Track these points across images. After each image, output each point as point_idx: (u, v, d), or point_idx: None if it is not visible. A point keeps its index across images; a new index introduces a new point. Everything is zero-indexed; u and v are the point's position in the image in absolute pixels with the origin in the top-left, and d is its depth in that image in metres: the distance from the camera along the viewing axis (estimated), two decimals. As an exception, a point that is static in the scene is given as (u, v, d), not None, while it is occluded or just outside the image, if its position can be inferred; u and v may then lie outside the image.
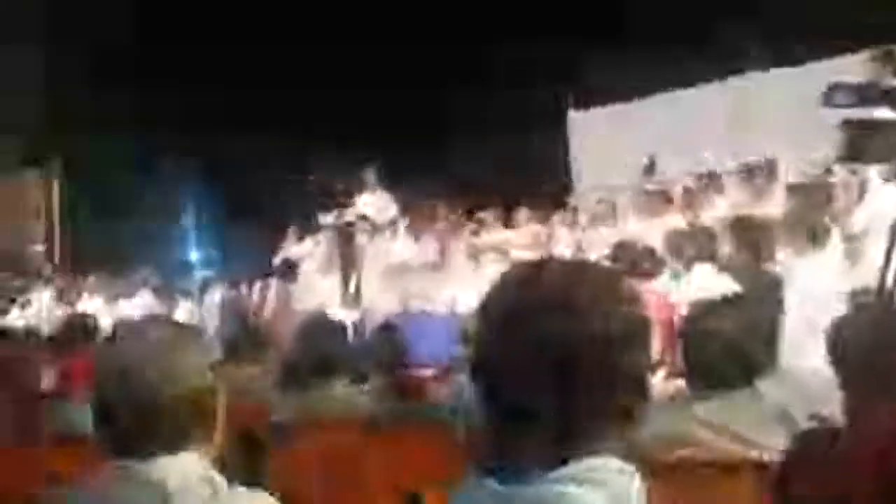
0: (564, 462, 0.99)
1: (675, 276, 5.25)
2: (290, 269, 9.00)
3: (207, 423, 1.48)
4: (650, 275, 5.33)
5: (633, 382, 1.03)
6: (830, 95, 2.56)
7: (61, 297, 11.28)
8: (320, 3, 12.46)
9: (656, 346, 4.54)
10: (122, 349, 1.52)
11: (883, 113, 2.86)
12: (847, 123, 2.55)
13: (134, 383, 1.43)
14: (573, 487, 0.97)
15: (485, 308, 1.09)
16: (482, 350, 1.07)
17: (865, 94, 2.76)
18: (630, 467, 1.02)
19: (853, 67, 5.78)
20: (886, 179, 4.25)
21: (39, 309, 10.90)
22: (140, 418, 1.42)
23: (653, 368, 4.11)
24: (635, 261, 5.35)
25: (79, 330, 4.91)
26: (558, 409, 1.00)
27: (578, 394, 1.00)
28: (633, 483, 1.01)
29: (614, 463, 1.01)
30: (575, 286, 1.03)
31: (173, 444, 1.43)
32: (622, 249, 5.62)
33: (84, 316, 5.98)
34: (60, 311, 10.15)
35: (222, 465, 1.48)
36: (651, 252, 5.52)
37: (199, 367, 1.50)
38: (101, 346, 1.64)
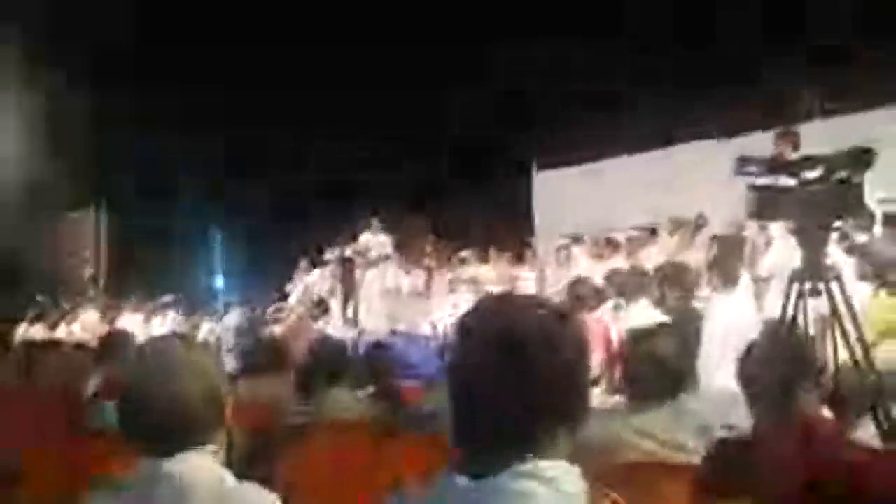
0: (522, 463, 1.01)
1: (617, 308, 5.31)
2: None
3: (217, 425, 1.46)
4: (595, 307, 5.40)
5: (576, 394, 1.07)
6: (741, 166, 2.61)
7: (104, 314, 11.15)
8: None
9: (598, 364, 4.58)
10: (147, 361, 1.50)
11: (784, 181, 2.91)
12: (754, 188, 2.60)
13: (156, 390, 1.42)
14: (525, 481, 1.00)
15: (459, 330, 1.11)
16: (457, 364, 1.09)
17: (770, 165, 2.81)
18: (573, 467, 1.04)
19: (763, 142, 5.94)
20: (787, 233, 4.35)
21: (85, 323, 10.76)
22: (160, 419, 1.41)
23: (594, 383, 4.14)
24: (584, 295, 5.41)
25: (117, 343, 4.82)
26: (516, 416, 1.02)
27: (533, 403, 1.03)
28: (575, 480, 1.03)
29: (561, 463, 1.03)
30: (531, 318, 1.06)
31: (187, 443, 1.41)
32: (574, 286, 5.69)
33: (121, 331, 5.88)
34: (102, 327, 10.02)
35: (229, 463, 1.47)
36: (596, 289, 5.59)
37: (210, 376, 1.47)
38: (132, 358, 1.60)
